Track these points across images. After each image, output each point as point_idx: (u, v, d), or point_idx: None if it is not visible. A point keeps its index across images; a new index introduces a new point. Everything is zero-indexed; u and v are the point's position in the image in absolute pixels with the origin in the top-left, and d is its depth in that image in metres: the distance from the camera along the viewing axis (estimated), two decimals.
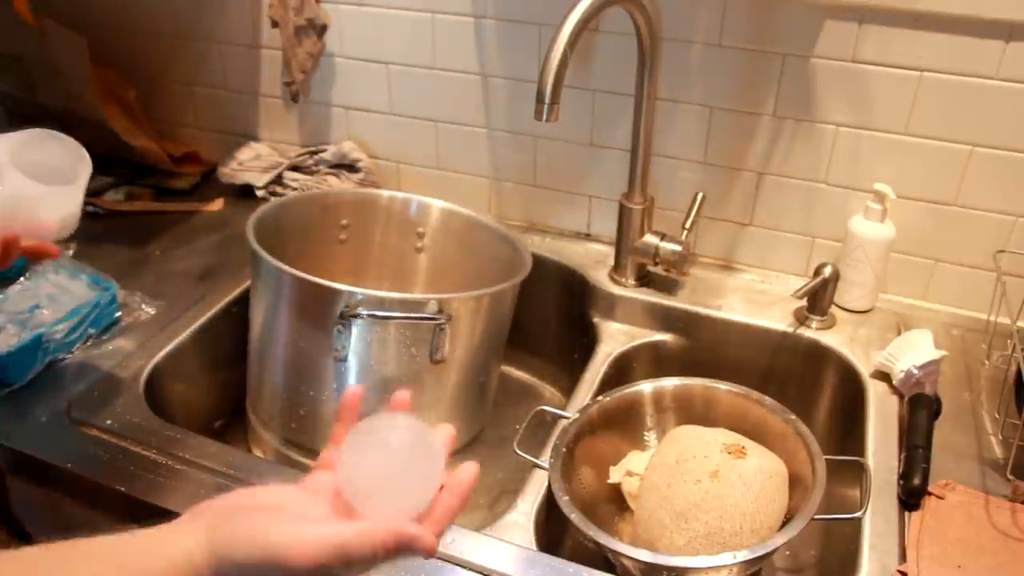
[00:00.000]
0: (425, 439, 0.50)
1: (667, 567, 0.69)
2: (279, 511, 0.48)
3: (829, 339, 0.98)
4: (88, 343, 0.96)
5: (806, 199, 1.04)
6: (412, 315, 0.83)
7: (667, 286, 1.07)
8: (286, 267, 0.83)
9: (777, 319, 1.01)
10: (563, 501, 0.74)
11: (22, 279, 1.00)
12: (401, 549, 0.46)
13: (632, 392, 0.88)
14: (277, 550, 0.45)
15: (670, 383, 0.89)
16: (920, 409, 0.84)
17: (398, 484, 0.48)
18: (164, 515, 0.75)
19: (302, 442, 0.90)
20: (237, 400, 1.01)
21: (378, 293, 0.82)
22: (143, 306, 1.02)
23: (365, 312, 0.81)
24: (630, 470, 0.84)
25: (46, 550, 0.47)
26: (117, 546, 0.48)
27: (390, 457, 0.49)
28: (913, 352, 0.89)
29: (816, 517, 0.71)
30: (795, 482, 0.78)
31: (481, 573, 0.70)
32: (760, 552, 0.69)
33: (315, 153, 1.26)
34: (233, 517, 0.47)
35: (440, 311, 0.83)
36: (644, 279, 1.07)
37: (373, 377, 0.85)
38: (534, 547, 0.74)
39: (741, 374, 0.98)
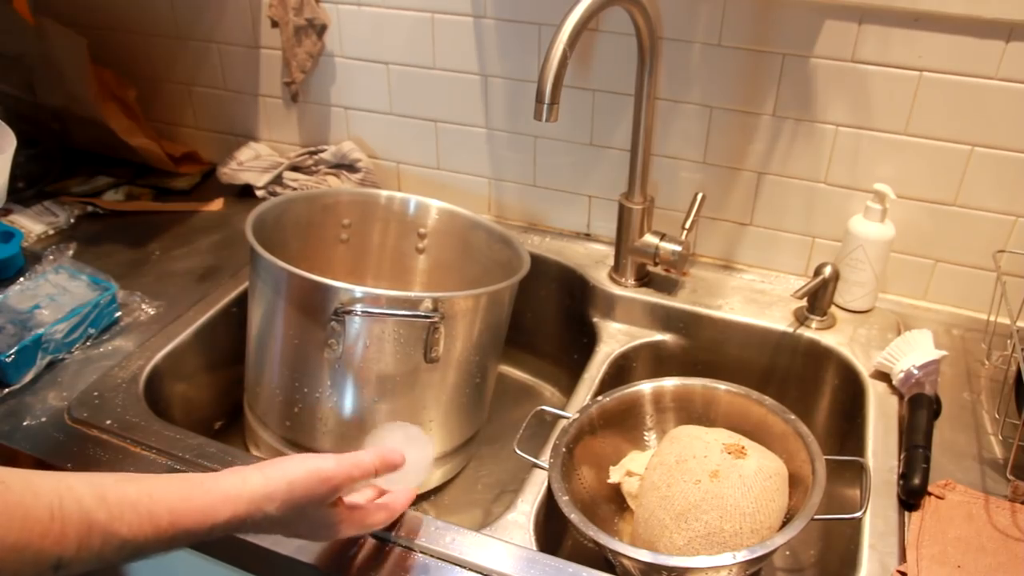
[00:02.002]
0: (425, 441, 0.74)
1: (667, 567, 0.69)
2: None
3: (829, 339, 0.98)
4: (88, 343, 0.96)
5: (806, 199, 1.04)
6: (407, 313, 0.83)
7: (667, 286, 1.07)
8: (282, 263, 0.83)
9: (777, 319, 1.01)
10: (563, 501, 0.74)
11: (22, 279, 1.01)
12: (389, 465, 0.68)
13: (632, 392, 0.88)
14: (320, 465, 0.63)
15: (670, 383, 0.89)
16: (920, 409, 0.84)
17: (407, 468, 0.70)
18: None
19: (298, 440, 0.90)
20: (237, 400, 1.01)
21: (373, 290, 0.82)
22: (143, 306, 1.02)
23: (360, 309, 0.81)
24: (630, 470, 0.84)
25: (139, 476, 0.57)
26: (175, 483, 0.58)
27: (404, 449, 0.71)
28: (913, 352, 0.89)
29: (816, 517, 0.71)
30: (795, 482, 0.78)
31: (481, 573, 0.70)
32: (760, 552, 0.69)
33: (315, 153, 1.26)
34: (279, 459, 0.64)
35: (435, 309, 0.83)
36: (644, 279, 1.07)
37: (368, 375, 0.85)
38: (534, 547, 0.74)
39: (741, 374, 0.99)
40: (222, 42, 1.26)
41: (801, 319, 1.01)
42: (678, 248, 1.02)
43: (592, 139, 1.11)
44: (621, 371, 1.01)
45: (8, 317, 0.92)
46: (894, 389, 0.90)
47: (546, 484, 0.79)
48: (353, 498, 0.69)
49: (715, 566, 0.69)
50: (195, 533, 0.57)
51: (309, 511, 0.63)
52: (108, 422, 0.84)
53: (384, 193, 1.09)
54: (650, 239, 1.03)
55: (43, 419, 0.85)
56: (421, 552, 0.72)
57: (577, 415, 0.84)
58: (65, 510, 0.51)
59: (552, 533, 0.82)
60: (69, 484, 0.52)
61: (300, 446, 0.90)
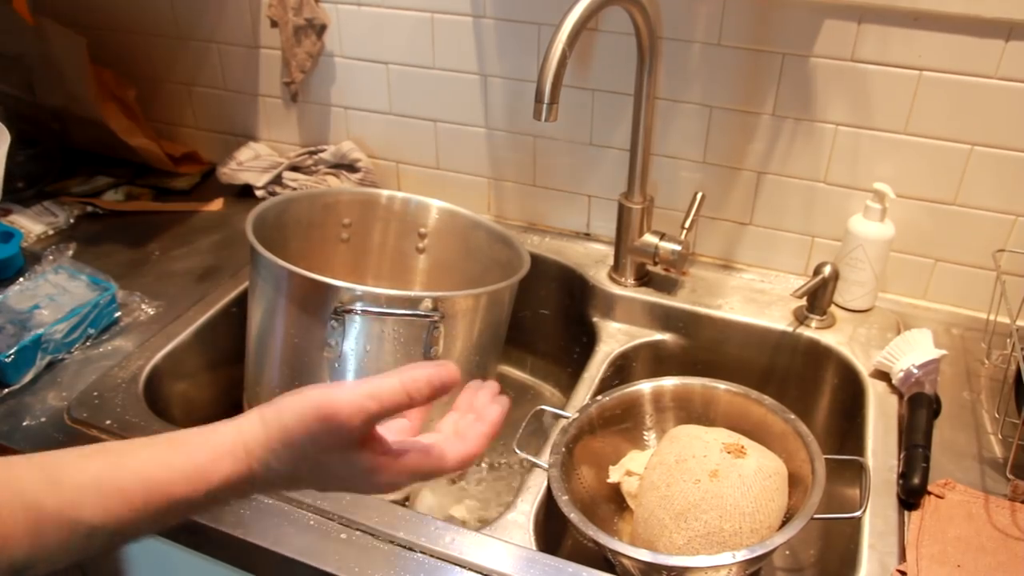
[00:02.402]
0: None
1: (667, 567, 0.69)
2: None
3: (829, 338, 0.98)
4: (88, 343, 0.96)
5: (806, 198, 1.04)
6: (407, 312, 0.83)
7: (667, 286, 1.07)
8: (282, 262, 0.83)
9: (777, 319, 1.01)
10: (563, 501, 0.74)
11: (22, 279, 1.01)
12: (432, 388, 0.50)
13: (632, 392, 0.88)
14: (321, 401, 0.48)
15: (670, 383, 0.89)
16: (920, 408, 0.84)
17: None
18: None
19: None
20: (237, 400, 1.01)
21: (372, 289, 0.82)
22: (143, 306, 1.02)
23: (360, 308, 0.81)
24: (630, 470, 0.84)
25: (105, 445, 0.50)
26: (165, 442, 0.49)
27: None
28: (913, 351, 0.89)
29: (816, 516, 0.71)
30: (795, 482, 0.78)
31: (481, 573, 0.70)
32: (759, 552, 0.69)
33: (314, 153, 1.26)
34: (280, 398, 0.50)
35: (435, 309, 0.83)
36: (644, 279, 1.07)
37: (367, 374, 0.85)
38: (534, 547, 0.74)
39: (741, 374, 0.98)
40: (222, 42, 1.26)
41: (801, 319, 1.01)
42: (678, 248, 1.02)
43: (592, 139, 1.11)
44: (621, 371, 1.01)
45: (8, 317, 0.92)
46: (894, 388, 0.90)
47: (546, 484, 0.79)
48: (401, 436, 0.55)
49: (715, 566, 0.69)
50: (185, 504, 0.48)
51: (324, 459, 0.50)
52: (108, 422, 0.84)
53: (384, 193, 1.09)
54: (650, 239, 1.03)
55: (43, 419, 0.85)
56: (421, 552, 0.72)
57: (577, 415, 0.84)
58: (4, 505, 0.44)
59: (552, 533, 0.82)
60: (14, 473, 0.46)
61: None
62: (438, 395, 0.51)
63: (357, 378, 0.84)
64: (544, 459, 0.80)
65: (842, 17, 0.93)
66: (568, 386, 1.00)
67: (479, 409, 0.59)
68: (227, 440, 0.49)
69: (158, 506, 0.47)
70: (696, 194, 1.04)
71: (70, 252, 1.08)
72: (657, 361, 1.04)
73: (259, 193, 1.24)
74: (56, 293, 0.97)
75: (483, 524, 0.77)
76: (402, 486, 0.54)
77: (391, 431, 0.57)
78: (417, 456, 0.53)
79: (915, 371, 0.87)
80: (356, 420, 0.48)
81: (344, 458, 0.50)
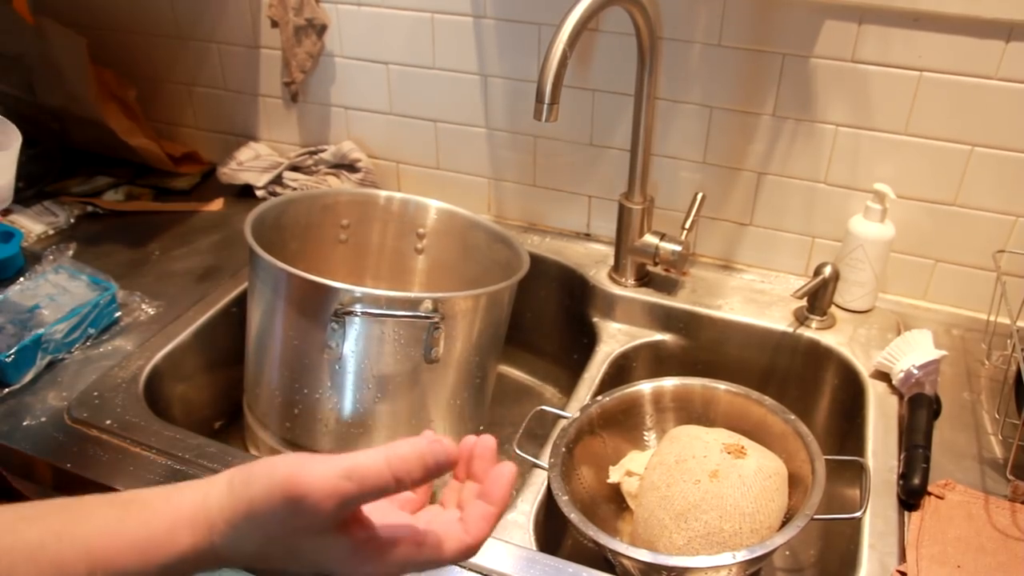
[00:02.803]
0: None
1: (667, 567, 0.69)
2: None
3: (829, 339, 0.98)
4: (88, 343, 0.96)
5: (806, 199, 1.04)
6: (407, 313, 0.83)
7: (667, 286, 1.07)
8: (281, 264, 0.83)
9: (777, 319, 1.01)
10: (563, 501, 0.74)
11: (22, 279, 1.01)
12: (425, 470, 0.43)
13: (632, 392, 0.88)
14: (290, 478, 0.42)
15: (670, 383, 0.89)
16: (920, 409, 0.84)
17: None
18: None
19: (298, 441, 0.89)
20: (237, 400, 1.01)
21: (373, 291, 0.82)
22: (143, 306, 1.02)
23: (360, 310, 0.81)
24: (630, 470, 0.84)
25: (52, 503, 0.44)
26: (122, 502, 0.45)
27: None
28: (913, 352, 0.89)
29: (816, 517, 0.71)
30: (795, 482, 0.78)
31: (481, 573, 0.70)
32: (759, 552, 0.69)
33: (315, 153, 1.26)
34: (254, 463, 0.45)
35: (435, 310, 0.83)
36: (644, 279, 1.07)
37: (368, 376, 0.85)
38: (534, 547, 0.74)
39: (741, 374, 0.98)
40: (222, 42, 1.26)
41: (801, 319, 1.01)
42: (678, 248, 1.02)
43: (592, 139, 1.11)
44: (621, 371, 1.01)
45: (8, 317, 0.92)
46: (894, 389, 0.90)
47: (546, 484, 0.79)
48: (388, 516, 0.48)
49: (715, 566, 0.69)
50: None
51: (294, 543, 0.44)
52: (108, 422, 0.84)
53: (383, 193, 1.09)
54: (650, 239, 1.03)
55: (43, 419, 0.85)
56: None
57: (577, 415, 0.84)
58: None
59: (552, 533, 0.82)
60: None
61: (300, 447, 0.90)
62: (432, 476, 0.44)
63: (357, 379, 0.84)
64: (544, 459, 0.80)
65: (842, 18, 0.93)
66: (568, 386, 1.00)
67: (483, 479, 0.49)
68: (189, 508, 0.43)
69: None
70: (696, 194, 1.04)
71: (70, 252, 1.08)
72: (657, 361, 1.04)
73: (259, 193, 1.24)
74: (56, 293, 0.97)
75: None
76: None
77: (394, 501, 0.51)
78: (408, 549, 0.46)
79: (915, 372, 0.87)
80: (328, 504, 0.42)
81: (317, 543, 0.44)
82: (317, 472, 0.42)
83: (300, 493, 0.41)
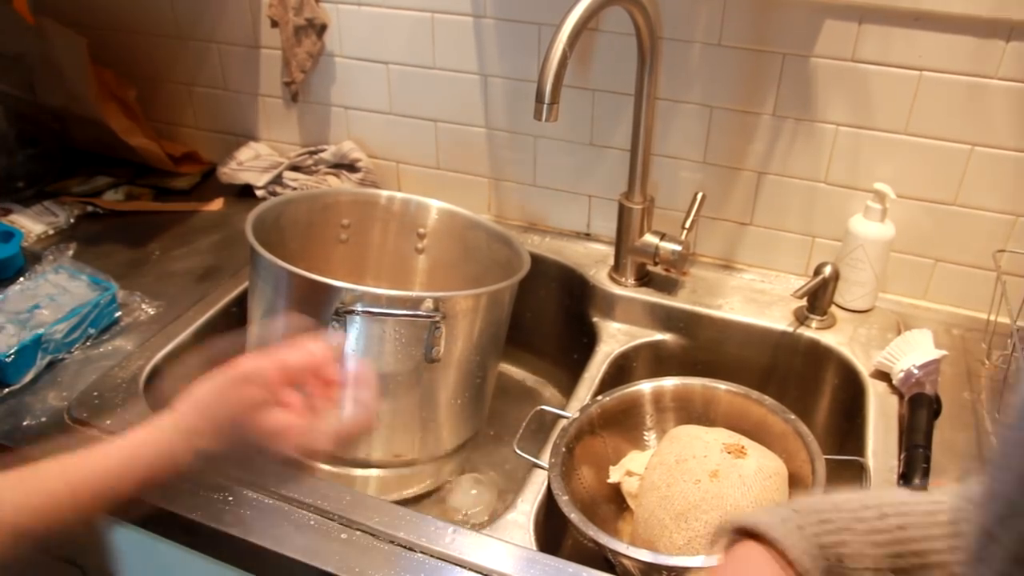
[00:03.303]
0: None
1: (667, 567, 0.69)
2: None
3: (829, 339, 0.98)
4: (88, 343, 0.96)
5: (806, 199, 1.04)
6: (408, 313, 0.83)
7: (667, 286, 1.07)
8: (282, 263, 0.83)
9: (777, 319, 1.01)
10: (563, 501, 0.74)
11: (22, 279, 1.01)
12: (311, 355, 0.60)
13: (632, 392, 0.88)
14: (232, 365, 0.59)
15: (670, 383, 0.89)
16: (920, 409, 0.84)
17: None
18: (163, 515, 0.75)
19: None
20: None
21: (373, 290, 0.82)
22: (143, 306, 1.02)
23: (360, 309, 0.81)
24: (630, 470, 0.84)
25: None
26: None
27: None
28: (913, 352, 0.89)
29: None
30: (795, 482, 0.78)
31: (481, 573, 0.70)
32: None
33: (315, 153, 1.26)
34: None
35: (436, 309, 0.83)
36: (644, 279, 1.07)
37: None
38: (534, 547, 0.74)
39: (741, 374, 0.98)
40: (222, 42, 1.26)
41: (801, 319, 1.01)
42: (678, 248, 1.02)
43: (592, 139, 1.11)
44: (621, 371, 1.01)
45: (8, 317, 0.92)
46: (894, 389, 0.90)
47: (546, 484, 0.79)
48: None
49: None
50: (113, 490, 0.55)
51: (232, 426, 0.58)
52: (108, 422, 0.84)
53: (384, 193, 1.09)
54: (650, 239, 1.03)
55: (43, 419, 0.85)
56: (421, 552, 0.72)
57: (577, 415, 0.84)
58: None
59: (552, 533, 0.82)
60: None
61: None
62: (334, 360, 0.60)
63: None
64: (544, 459, 0.80)
65: (843, 17, 0.93)
66: (568, 386, 1.00)
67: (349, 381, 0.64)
68: (144, 430, 0.57)
69: (81, 498, 0.54)
70: (696, 194, 1.04)
71: (70, 252, 1.08)
72: (657, 361, 1.04)
73: (259, 193, 1.24)
74: (56, 293, 0.97)
75: (483, 524, 0.77)
76: (303, 446, 0.59)
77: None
78: (327, 416, 0.60)
79: (915, 371, 0.87)
80: (255, 374, 0.58)
81: (252, 421, 0.58)
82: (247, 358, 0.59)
83: (232, 369, 0.59)
